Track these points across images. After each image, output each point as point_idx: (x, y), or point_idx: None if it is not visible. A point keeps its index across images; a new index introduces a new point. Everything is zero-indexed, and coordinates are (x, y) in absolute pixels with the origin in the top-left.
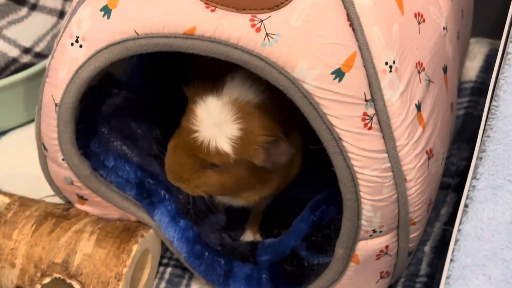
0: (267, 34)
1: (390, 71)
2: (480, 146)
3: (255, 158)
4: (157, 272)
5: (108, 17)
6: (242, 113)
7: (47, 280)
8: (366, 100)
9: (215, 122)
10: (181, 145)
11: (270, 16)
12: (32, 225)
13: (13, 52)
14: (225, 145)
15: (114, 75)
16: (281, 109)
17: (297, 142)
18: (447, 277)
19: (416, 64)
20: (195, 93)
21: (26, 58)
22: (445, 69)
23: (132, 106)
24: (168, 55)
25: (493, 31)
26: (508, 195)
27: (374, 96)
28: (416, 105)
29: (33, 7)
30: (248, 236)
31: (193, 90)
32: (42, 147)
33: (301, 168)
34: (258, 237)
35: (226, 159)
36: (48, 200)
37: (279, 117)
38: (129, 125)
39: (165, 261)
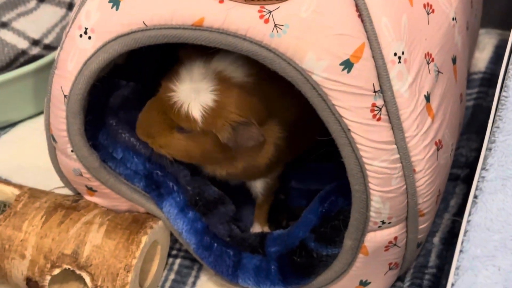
0: (275, 25)
1: (399, 62)
2: (489, 137)
3: (220, 133)
4: (166, 263)
5: (117, 9)
6: (222, 86)
7: (57, 271)
8: (374, 91)
9: (194, 87)
10: (156, 102)
11: (279, 7)
12: (42, 217)
13: (22, 44)
14: (196, 112)
15: (122, 67)
16: (263, 97)
17: (273, 134)
18: (457, 268)
19: (425, 55)
20: (186, 55)
21: (35, 50)
22: (454, 60)
23: (140, 98)
24: (177, 46)
25: (502, 22)
26: None
27: (383, 87)
28: (425, 96)
29: None
30: (256, 228)
31: (186, 53)
32: (51, 139)
33: (271, 160)
34: (266, 229)
35: (194, 126)
36: (57, 191)
37: (258, 104)
38: (137, 116)
39: (174, 252)
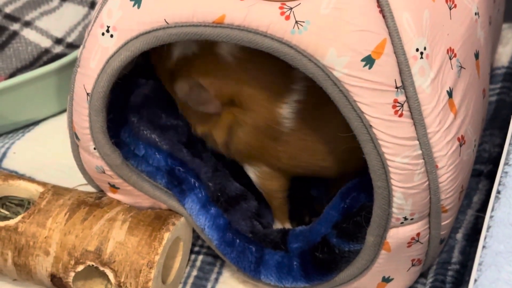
0: (296, 22)
1: (421, 57)
2: None
3: (177, 83)
4: (189, 259)
5: (138, 7)
6: (204, 52)
7: (80, 267)
8: (396, 87)
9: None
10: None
11: (300, 4)
12: (66, 214)
13: (45, 43)
14: (175, 52)
15: (143, 65)
16: (238, 82)
17: (226, 118)
18: (479, 264)
19: (448, 50)
20: None
21: (58, 49)
22: (477, 55)
23: (160, 95)
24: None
25: None
26: None
27: (405, 83)
28: (447, 91)
29: None
30: (277, 225)
31: None
32: (74, 137)
33: (248, 147)
34: (287, 225)
35: (171, 63)
36: (80, 189)
37: (230, 84)
38: (158, 114)
39: (196, 248)
